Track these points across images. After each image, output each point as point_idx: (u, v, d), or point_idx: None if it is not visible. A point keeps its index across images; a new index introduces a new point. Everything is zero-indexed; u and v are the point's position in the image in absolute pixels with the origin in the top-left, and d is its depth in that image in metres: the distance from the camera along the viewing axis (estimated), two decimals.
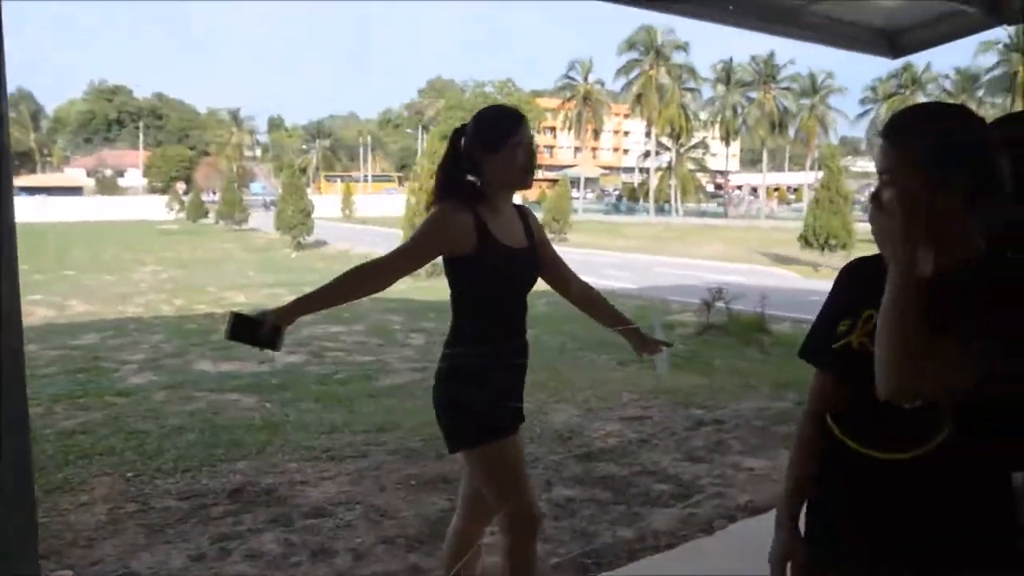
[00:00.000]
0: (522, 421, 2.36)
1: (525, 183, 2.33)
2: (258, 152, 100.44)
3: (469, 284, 2.27)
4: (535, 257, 2.37)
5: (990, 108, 53.65)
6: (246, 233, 34.96)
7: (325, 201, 43.57)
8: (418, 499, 3.98)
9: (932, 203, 1.28)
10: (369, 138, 76.10)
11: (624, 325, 2.52)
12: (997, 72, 48.73)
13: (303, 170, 31.78)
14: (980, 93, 52.47)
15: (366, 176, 68.15)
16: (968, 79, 53.19)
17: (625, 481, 4.26)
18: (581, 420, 5.39)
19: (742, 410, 5.77)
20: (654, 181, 57.91)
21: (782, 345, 8.59)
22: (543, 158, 77.82)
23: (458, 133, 2.32)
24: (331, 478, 4.26)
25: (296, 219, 24.72)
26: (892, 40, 8.37)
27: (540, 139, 75.39)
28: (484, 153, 2.24)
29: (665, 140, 57.59)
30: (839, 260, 19.40)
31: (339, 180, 61.59)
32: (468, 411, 2.25)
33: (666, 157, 58.43)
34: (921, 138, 1.33)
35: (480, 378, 2.23)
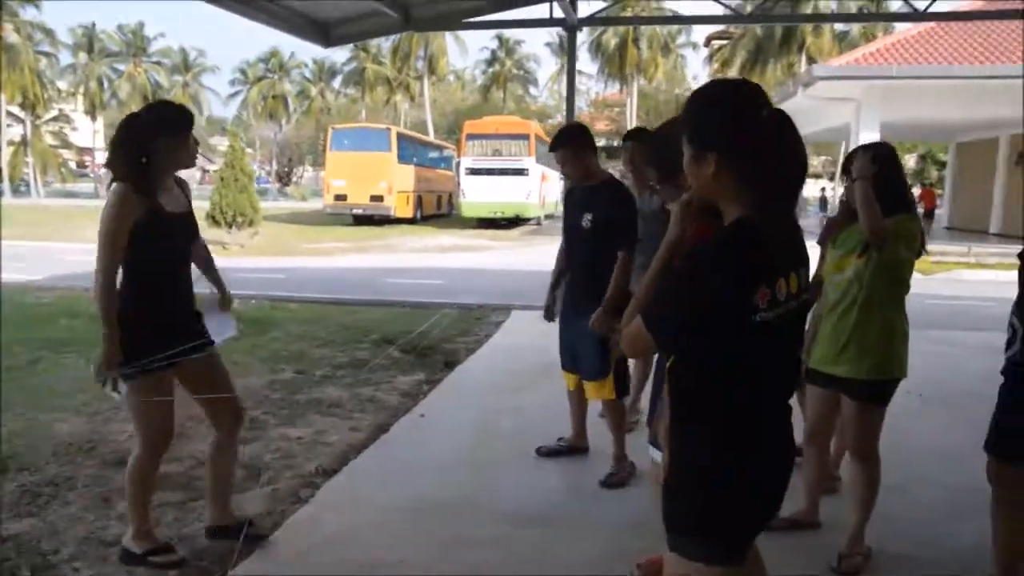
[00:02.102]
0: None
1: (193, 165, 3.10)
2: None
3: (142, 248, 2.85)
4: (194, 220, 3.15)
5: (343, 98, 60.46)
6: None
7: None
8: None
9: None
10: None
11: (222, 289, 3.35)
12: (351, 66, 55.05)
13: None
14: (337, 83, 58.59)
15: None
16: (328, 70, 58.83)
17: (188, 477, 4.01)
18: (92, 426, 4.76)
19: (253, 386, 5.79)
20: (6, 156, 50.18)
21: (244, 321, 8.67)
22: None
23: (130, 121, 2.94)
24: None
25: None
26: (326, 31, 9.08)
27: None
28: (162, 138, 2.90)
29: (16, 110, 50.24)
30: (246, 237, 19.90)
31: None
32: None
33: (19, 130, 51.10)
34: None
35: (152, 320, 2.94)
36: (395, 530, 3.46)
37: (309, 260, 17.17)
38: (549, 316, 4.45)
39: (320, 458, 4.34)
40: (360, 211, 26.87)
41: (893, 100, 17.75)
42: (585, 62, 51.57)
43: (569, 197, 4.22)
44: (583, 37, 51.07)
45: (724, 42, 49.27)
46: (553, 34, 56.00)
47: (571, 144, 4.00)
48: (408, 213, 27.75)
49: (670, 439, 1.81)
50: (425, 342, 7.55)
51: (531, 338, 7.93)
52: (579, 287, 4.08)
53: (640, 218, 3.98)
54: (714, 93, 1.75)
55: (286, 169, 59.85)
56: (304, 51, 71.98)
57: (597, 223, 3.89)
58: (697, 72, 59.63)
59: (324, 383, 5.94)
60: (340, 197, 26.82)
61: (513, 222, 26.77)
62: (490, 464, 4.31)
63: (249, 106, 60.48)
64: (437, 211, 31.69)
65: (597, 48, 47.98)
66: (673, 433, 1.79)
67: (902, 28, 21.45)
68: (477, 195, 26.06)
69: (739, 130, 1.63)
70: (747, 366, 1.67)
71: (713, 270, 1.59)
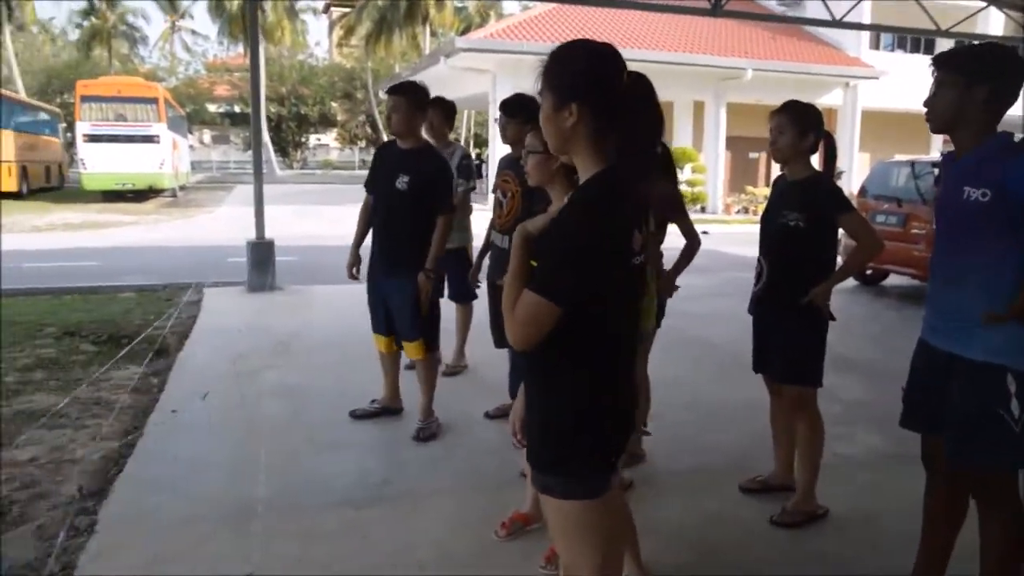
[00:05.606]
0: None
1: None
2: None
3: None
4: None
5: None
6: None
7: None
8: None
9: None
10: None
11: None
12: None
13: None
14: None
15: None
16: None
17: None
18: None
19: None
20: None
21: None
22: None
23: None
24: None
25: None
26: None
27: None
28: None
29: None
30: None
31: None
32: None
33: None
34: None
35: None
36: (222, 541, 3.06)
37: None
38: (353, 275, 4.30)
39: (75, 478, 3.62)
40: None
41: (523, 72, 19.40)
42: (203, 23, 47.99)
43: (381, 157, 4.10)
44: None
45: (346, 9, 49.02)
46: None
47: (409, 96, 3.87)
48: (13, 187, 23.49)
49: (529, 384, 1.85)
50: (120, 331, 6.61)
51: (241, 316, 7.39)
52: (391, 250, 3.96)
53: None
54: (579, 49, 1.73)
55: None
56: None
57: (414, 186, 3.82)
58: (320, 38, 58.77)
59: (25, 391, 4.91)
60: None
61: (143, 194, 24.13)
62: (283, 451, 3.97)
63: None
64: (47, 183, 27.34)
65: (217, 8, 44.68)
66: (535, 377, 1.81)
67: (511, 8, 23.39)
68: (100, 165, 22.97)
69: (603, 83, 1.67)
70: (622, 310, 1.75)
71: (602, 218, 1.63)
